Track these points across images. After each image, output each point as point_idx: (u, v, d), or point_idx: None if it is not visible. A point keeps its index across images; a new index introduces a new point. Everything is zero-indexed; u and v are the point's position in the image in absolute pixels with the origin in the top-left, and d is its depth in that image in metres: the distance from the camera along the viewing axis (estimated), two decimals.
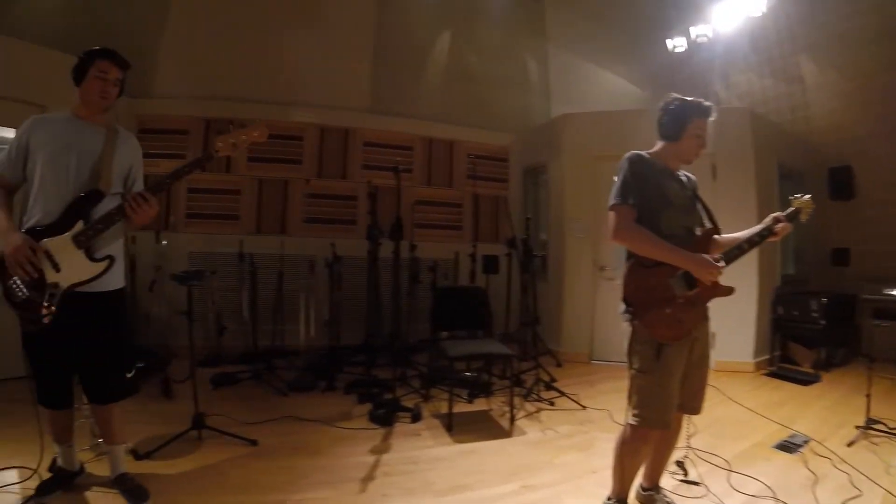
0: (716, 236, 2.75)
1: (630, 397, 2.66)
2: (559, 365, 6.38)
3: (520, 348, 5.97)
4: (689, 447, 3.51)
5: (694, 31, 7.80)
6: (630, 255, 2.66)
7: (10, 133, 5.13)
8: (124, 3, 7.11)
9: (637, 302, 2.60)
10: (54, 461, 3.17)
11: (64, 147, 2.78)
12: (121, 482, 3.06)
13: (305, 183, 6.64)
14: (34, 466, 3.13)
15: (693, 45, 7.91)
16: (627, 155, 2.69)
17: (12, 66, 5.22)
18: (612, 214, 2.63)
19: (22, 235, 2.68)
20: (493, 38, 8.32)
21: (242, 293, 6.53)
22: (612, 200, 2.64)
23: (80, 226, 2.72)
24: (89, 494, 3.11)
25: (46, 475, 3.12)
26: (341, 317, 6.38)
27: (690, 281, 2.56)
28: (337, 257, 6.25)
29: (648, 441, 2.71)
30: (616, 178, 2.67)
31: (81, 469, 3.26)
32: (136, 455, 3.58)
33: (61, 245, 2.70)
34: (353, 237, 7.22)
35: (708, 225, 2.79)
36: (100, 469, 3.33)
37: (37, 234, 2.70)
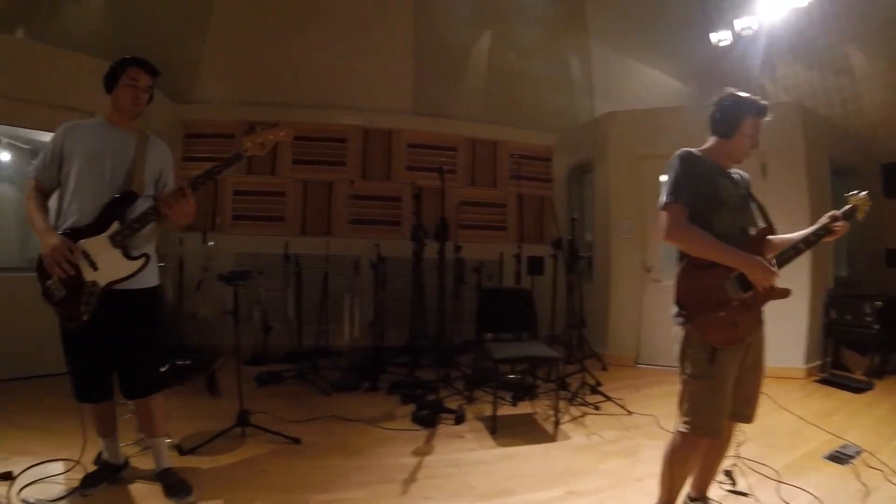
0: (770, 236, 2.63)
1: (681, 403, 2.55)
2: (605, 368, 6.23)
3: (565, 351, 5.88)
4: (738, 456, 3.38)
5: (738, 23, 7.55)
6: (683, 256, 2.56)
7: None
8: (166, 12, 7.35)
9: (690, 304, 2.50)
10: (100, 455, 3.25)
11: (98, 152, 2.88)
12: (164, 477, 3.10)
13: (350, 184, 6.67)
14: (78, 458, 3.23)
15: (737, 39, 7.65)
16: (678, 152, 2.60)
17: (59, 74, 5.41)
18: (663, 214, 2.54)
19: (59, 236, 2.76)
20: (534, 37, 8.20)
21: (288, 293, 6.58)
22: (663, 199, 2.55)
23: (115, 226, 2.81)
24: (133, 488, 3.15)
25: (91, 468, 3.21)
26: (385, 317, 6.38)
27: (745, 283, 2.45)
28: (381, 258, 6.25)
29: (698, 449, 2.61)
30: (666, 176, 2.57)
31: (126, 463, 3.33)
32: (181, 450, 3.64)
33: (98, 245, 2.79)
34: (397, 238, 7.23)
35: (762, 224, 2.68)
36: (145, 463, 3.38)
37: (74, 234, 2.79)
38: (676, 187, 2.51)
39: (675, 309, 2.55)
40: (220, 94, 7.34)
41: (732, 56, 7.87)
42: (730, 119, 2.59)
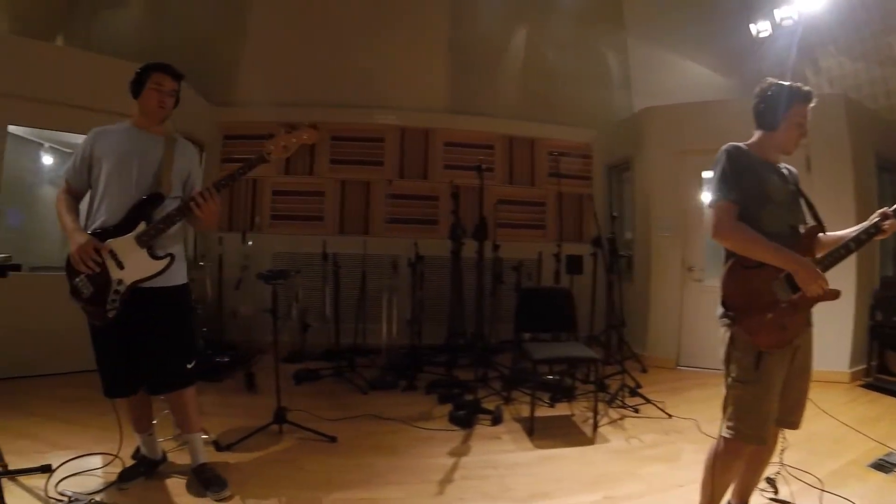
0: (820, 235, 2.53)
1: (725, 408, 2.46)
2: (644, 370, 6.11)
3: (604, 352, 5.78)
4: (781, 463, 3.26)
5: (778, 13, 7.33)
6: (730, 255, 2.47)
7: None
8: (203, 17, 7.57)
9: (737, 305, 2.40)
10: (138, 449, 3.33)
11: (126, 155, 2.95)
12: (200, 471, 3.14)
13: (388, 184, 6.67)
14: (116, 453, 3.29)
15: (778, 29, 7.43)
16: (725, 147, 2.50)
17: (99, 79, 5.51)
18: (711, 211, 2.45)
19: (86, 235, 2.85)
20: (570, 32, 8.10)
21: (326, 292, 6.60)
22: (711, 196, 2.46)
23: (142, 226, 2.88)
24: (170, 482, 3.20)
25: (129, 462, 3.28)
26: (423, 316, 6.35)
27: (794, 284, 2.35)
28: (419, 257, 6.23)
29: (742, 456, 2.51)
30: (713, 173, 2.48)
31: (164, 457, 3.39)
32: (218, 446, 3.69)
33: (125, 244, 2.87)
34: (435, 237, 7.21)
35: (811, 222, 2.57)
36: (182, 458, 3.43)
37: (102, 234, 2.87)
38: (724, 184, 2.42)
39: (721, 310, 2.46)
40: (257, 97, 7.45)
41: (773, 47, 7.65)
42: (775, 109, 2.49)
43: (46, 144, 6.53)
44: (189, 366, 3.15)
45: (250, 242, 6.59)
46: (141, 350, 2.98)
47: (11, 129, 5.45)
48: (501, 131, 7.82)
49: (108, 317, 2.86)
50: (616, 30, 8.28)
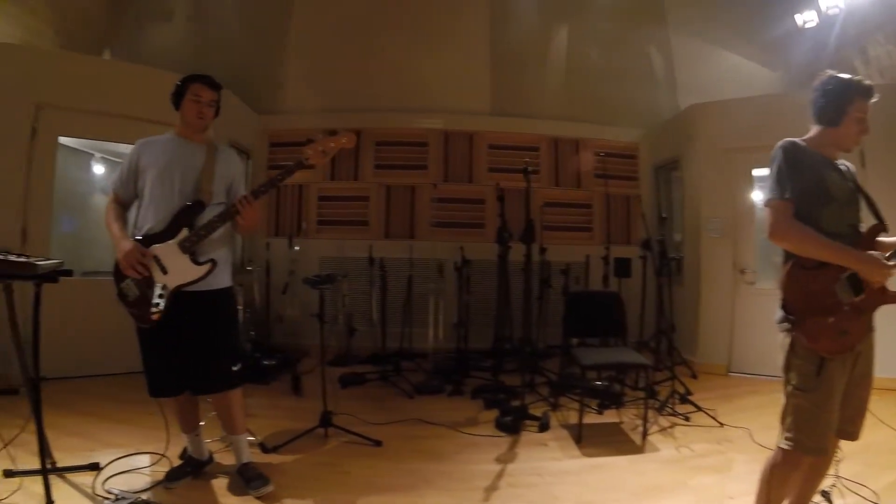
0: (881, 235, 2.40)
1: (784, 418, 2.35)
2: (694, 376, 5.90)
3: (653, 357, 5.65)
4: (836, 475, 3.10)
5: (823, 2, 7.04)
6: (789, 256, 2.35)
7: None
8: (247, 28, 7.74)
9: (797, 309, 2.28)
10: (185, 449, 3.39)
11: (169, 164, 3.07)
12: (244, 471, 3.20)
13: (432, 188, 6.66)
14: (163, 452, 3.38)
15: (824, 18, 7.13)
16: (781, 143, 2.39)
17: (146, 91, 5.63)
18: (768, 211, 2.35)
19: (132, 241, 2.96)
20: (612, 30, 7.92)
21: (372, 296, 6.61)
22: (767, 195, 2.36)
23: (184, 232, 2.98)
24: (215, 482, 3.26)
25: (177, 462, 3.35)
26: (469, 320, 6.31)
27: (857, 285, 2.23)
28: (465, 261, 6.20)
29: (800, 468, 2.40)
30: (769, 170, 2.38)
31: (211, 458, 3.45)
32: (264, 448, 3.73)
33: (168, 250, 2.97)
34: (481, 240, 7.16)
35: (871, 221, 2.44)
36: (230, 459, 3.47)
37: (147, 241, 2.98)
38: (781, 182, 2.31)
39: (780, 314, 2.35)
40: (301, 104, 7.58)
41: (819, 37, 7.34)
42: (836, 104, 2.37)
43: (97, 154, 6.76)
44: (233, 368, 3.20)
45: (297, 247, 6.67)
46: (185, 352, 3.05)
47: (62, 140, 5.65)
48: (546, 132, 7.72)
49: (152, 319, 2.94)
50: (657, 25, 8.04)
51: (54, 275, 2.88)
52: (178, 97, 3.18)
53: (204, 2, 8.03)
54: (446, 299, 6.55)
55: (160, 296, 2.94)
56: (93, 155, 6.74)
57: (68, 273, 3.04)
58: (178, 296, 2.96)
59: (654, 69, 8.09)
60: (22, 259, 2.81)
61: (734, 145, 6.22)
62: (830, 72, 2.43)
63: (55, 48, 6.62)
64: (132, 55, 7.85)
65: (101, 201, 6.67)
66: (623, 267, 6.14)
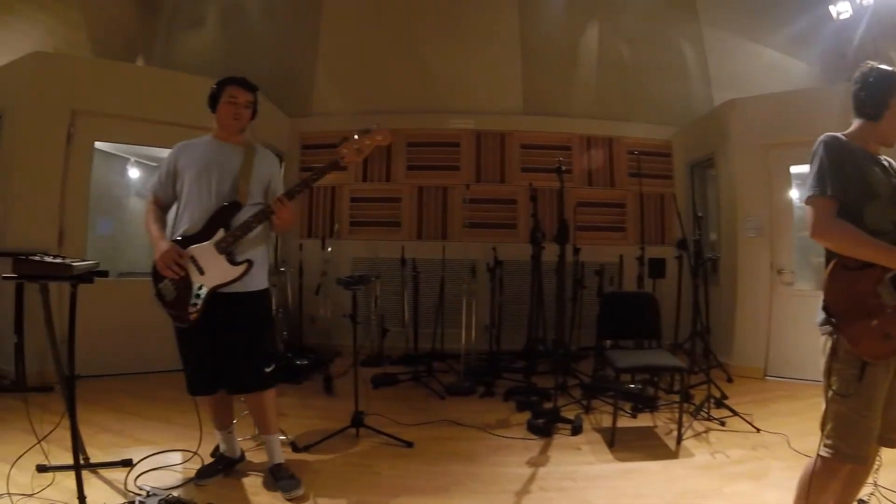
0: None
1: (824, 424, 2.26)
2: (730, 380, 5.73)
3: (688, 360, 5.54)
4: (875, 484, 2.98)
5: None
6: (831, 256, 2.27)
7: None
8: (276, 32, 7.89)
9: (839, 311, 2.19)
10: (217, 447, 3.45)
11: (205, 166, 3.10)
12: (275, 471, 3.21)
13: (465, 188, 6.64)
14: (195, 449, 3.41)
15: (859, 9, 6.90)
16: (822, 138, 2.31)
17: (179, 96, 5.82)
18: (809, 208, 2.27)
19: (169, 243, 2.99)
20: (643, 25, 7.81)
21: (404, 297, 6.62)
22: (808, 192, 2.28)
23: (220, 233, 3.00)
24: (246, 481, 3.29)
25: (209, 459, 3.39)
26: (502, 321, 6.27)
27: None
28: (498, 261, 6.17)
29: (839, 476, 2.31)
30: (810, 166, 2.30)
31: (242, 456, 3.50)
32: (295, 447, 3.76)
33: (205, 251, 2.99)
34: (513, 241, 7.13)
35: None
36: (260, 457, 3.52)
37: (184, 241, 3.01)
38: (823, 178, 2.22)
39: (821, 316, 2.26)
40: (333, 106, 7.66)
41: (855, 29, 7.12)
42: (877, 97, 2.28)
43: (132, 159, 6.90)
44: (268, 369, 3.21)
45: (329, 248, 6.71)
46: (221, 352, 3.08)
47: (98, 145, 5.79)
48: (578, 131, 7.62)
49: (190, 319, 2.98)
50: (689, 19, 7.85)
51: (90, 275, 2.93)
52: (214, 100, 3.21)
53: (234, 7, 8.19)
54: (478, 300, 6.51)
55: (197, 296, 2.98)
56: (128, 159, 6.89)
57: (104, 274, 3.11)
58: (214, 297, 2.99)
59: (687, 64, 7.92)
60: (58, 260, 2.87)
61: (771, 141, 6.06)
62: (872, 63, 2.35)
63: (89, 56, 6.82)
64: (164, 61, 8.12)
65: (137, 204, 6.87)
66: (657, 267, 6.04)
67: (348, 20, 7.77)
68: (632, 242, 7.18)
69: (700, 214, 5.72)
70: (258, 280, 3.17)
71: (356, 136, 3.17)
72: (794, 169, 6.02)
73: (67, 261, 2.88)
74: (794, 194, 6.04)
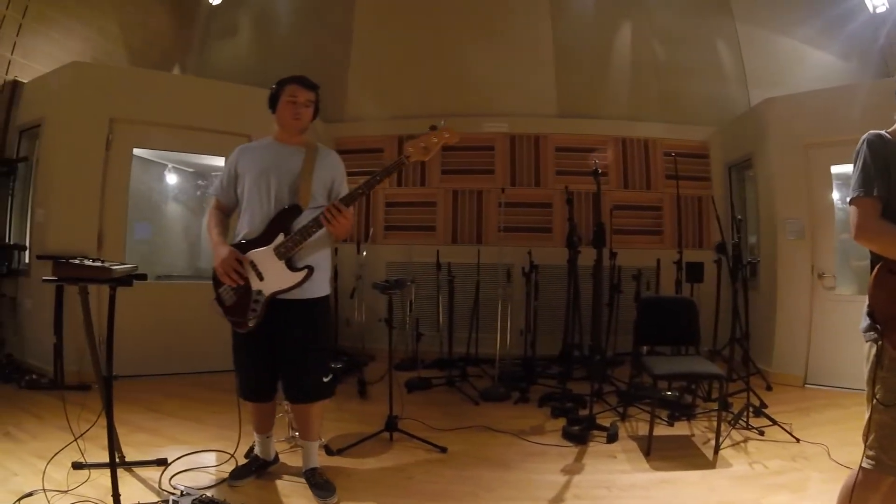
0: None
1: (866, 435, 2.19)
2: (769, 388, 5.57)
3: (726, 367, 5.41)
4: None
5: None
6: (876, 259, 2.19)
7: (219, 161, 6.07)
8: (309, 38, 8.07)
9: (885, 317, 2.11)
10: (251, 449, 3.47)
11: (265, 169, 3.06)
12: (310, 475, 3.20)
13: (500, 192, 6.61)
14: (232, 451, 3.44)
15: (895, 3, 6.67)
16: (865, 136, 2.23)
17: (220, 103, 6.03)
18: (853, 209, 2.19)
19: (229, 248, 2.98)
20: (676, 23, 7.70)
21: (439, 301, 6.61)
22: (852, 192, 2.20)
23: (280, 238, 2.94)
24: (280, 483, 3.30)
25: (243, 461, 3.41)
26: (537, 326, 6.23)
27: None
28: (533, 266, 6.13)
29: (881, 490, 2.23)
30: (853, 166, 2.23)
31: (276, 458, 3.51)
32: (329, 450, 3.76)
33: (265, 256, 2.95)
34: (549, 245, 7.10)
35: None
36: (293, 460, 3.55)
37: (244, 246, 2.99)
38: (866, 178, 2.15)
39: (866, 321, 2.19)
40: (367, 111, 7.72)
41: (891, 22, 6.88)
42: None
43: (169, 165, 7.06)
44: (325, 379, 3.18)
45: (364, 253, 6.73)
46: (279, 359, 3.09)
47: (137, 151, 5.96)
48: (613, 133, 7.54)
49: (248, 325, 2.98)
50: (723, 16, 7.69)
51: (129, 278, 2.99)
52: (273, 101, 3.17)
53: (267, 16, 8.39)
54: (514, 305, 6.48)
55: (256, 302, 2.96)
56: (166, 165, 7.03)
57: (143, 277, 3.16)
58: (273, 303, 2.97)
59: (722, 63, 7.75)
60: (97, 264, 2.92)
61: (811, 140, 5.89)
62: None
63: (126, 65, 7.01)
64: (200, 70, 8.36)
65: (174, 209, 7.02)
66: (695, 271, 5.93)
67: (380, 26, 7.86)
68: (669, 246, 7.07)
69: (739, 217, 5.61)
70: (319, 286, 3.11)
71: (422, 134, 3.05)
72: (834, 169, 5.85)
73: (107, 264, 2.92)
74: (835, 195, 5.88)
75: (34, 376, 5.17)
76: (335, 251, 6.76)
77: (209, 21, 8.74)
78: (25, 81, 6.13)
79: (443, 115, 7.36)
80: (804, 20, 7.38)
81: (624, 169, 7.49)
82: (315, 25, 8.16)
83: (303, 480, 3.22)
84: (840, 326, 5.47)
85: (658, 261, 6.68)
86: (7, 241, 6.05)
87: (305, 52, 7.97)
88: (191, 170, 7.34)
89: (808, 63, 7.38)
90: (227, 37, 8.67)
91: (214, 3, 8.19)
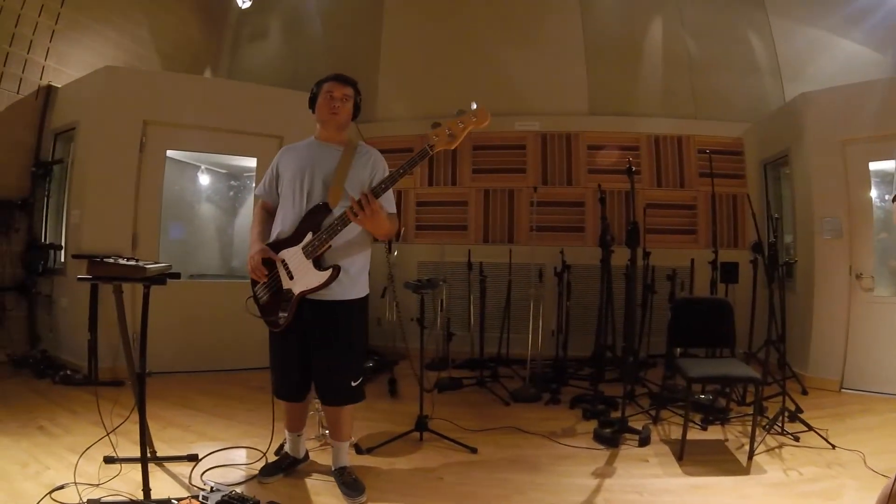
0: None
1: None
2: (804, 392, 5.43)
3: (761, 370, 5.26)
4: None
5: None
6: None
7: (251, 162, 6.27)
8: (338, 39, 8.17)
9: None
10: (281, 446, 3.50)
11: (301, 168, 3.08)
12: (339, 474, 3.22)
13: (532, 191, 6.56)
14: (263, 449, 3.50)
15: None
16: None
17: (252, 105, 6.10)
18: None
19: (260, 245, 3.03)
20: (707, 17, 7.55)
21: (470, 301, 6.59)
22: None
23: (308, 237, 2.94)
24: (308, 481, 3.32)
25: (272, 458, 3.45)
26: (569, 327, 6.16)
27: None
28: (566, 265, 6.06)
29: None
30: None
31: (306, 456, 3.53)
32: (358, 449, 3.77)
33: (295, 255, 2.97)
34: (581, 244, 7.05)
35: None
36: (323, 458, 3.57)
37: (277, 245, 3.03)
38: None
39: None
40: (397, 111, 7.77)
41: None
42: None
43: (202, 166, 7.16)
44: (354, 383, 3.16)
45: (395, 252, 6.73)
46: (310, 361, 3.10)
47: (170, 153, 6.06)
48: (646, 130, 7.42)
49: (280, 324, 3.01)
50: (755, 9, 7.49)
51: (162, 277, 3.04)
52: (312, 101, 3.20)
53: (296, 18, 8.50)
54: (545, 305, 6.42)
55: (286, 301, 2.98)
56: (199, 167, 7.12)
57: (176, 276, 3.20)
58: (306, 303, 2.97)
59: (755, 57, 7.55)
60: (131, 263, 2.96)
61: (848, 136, 5.70)
62: None
63: (159, 69, 7.16)
64: (231, 73, 8.50)
65: (207, 210, 7.13)
66: (730, 272, 5.80)
67: (409, 26, 7.90)
68: (703, 246, 6.94)
69: (776, 216, 5.48)
70: (352, 289, 3.08)
71: (447, 120, 2.89)
72: (873, 165, 5.66)
73: (141, 263, 2.97)
74: (874, 193, 5.70)
75: (68, 372, 5.30)
76: None
77: (239, 25, 8.89)
78: (59, 86, 6.32)
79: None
80: (839, 10, 7.15)
81: (657, 167, 7.36)
82: (344, 26, 8.23)
83: (332, 479, 3.23)
84: (878, 329, 5.36)
85: (692, 261, 6.53)
86: (43, 240, 6.23)
87: (335, 53, 8.05)
88: (223, 171, 7.44)
89: (844, 56, 7.14)
90: (256, 40, 8.80)
91: (244, 7, 8.30)
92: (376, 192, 2.87)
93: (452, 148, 2.94)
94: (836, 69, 6.93)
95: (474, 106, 2.91)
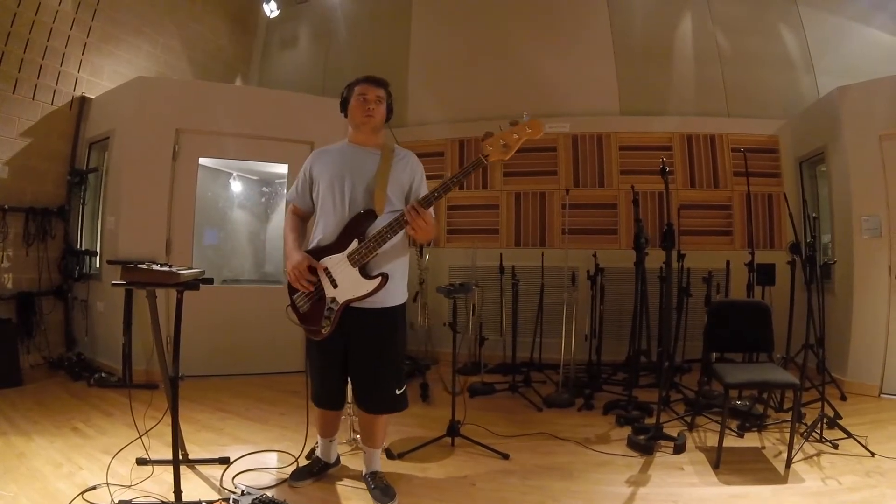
0: None
1: None
2: (843, 398, 5.27)
3: (799, 375, 5.11)
4: None
5: None
6: None
7: (282, 168, 6.32)
8: (368, 45, 8.27)
9: None
10: (313, 450, 3.50)
11: (338, 173, 3.00)
12: (371, 479, 3.20)
13: (564, 194, 6.49)
14: (295, 453, 3.54)
15: None
16: None
17: (282, 112, 6.16)
18: None
19: (302, 253, 2.96)
20: (738, 11, 7.40)
21: (502, 305, 6.55)
22: None
23: (354, 244, 2.87)
24: (340, 486, 3.32)
25: (304, 462, 3.47)
26: (603, 331, 6.08)
27: None
28: (599, 269, 5.99)
29: None
30: None
31: (337, 461, 3.53)
32: (390, 454, 3.76)
33: (338, 263, 2.90)
34: (615, 247, 6.98)
35: None
36: (354, 463, 3.57)
37: (318, 252, 2.96)
38: None
39: None
40: (428, 115, 7.78)
41: None
42: None
43: (234, 173, 7.27)
44: (399, 391, 3.12)
45: (427, 257, 6.72)
46: (353, 369, 3.06)
47: (203, 160, 6.16)
48: (678, 130, 7.27)
49: (322, 333, 2.95)
50: (786, 2, 7.35)
51: (195, 282, 3.06)
52: (344, 105, 3.14)
53: (325, 25, 8.62)
54: (579, 309, 6.34)
55: (329, 310, 2.92)
56: (231, 174, 7.21)
57: (209, 281, 3.24)
58: (348, 311, 2.92)
59: (788, 51, 7.37)
60: (165, 268, 2.99)
61: (888, 131, 5.53)
62: None
63: (190, 79, 7.31)
64: (261, 80, 8.62)
65: (240, 216, 7.23)
66: (766, 273, 5.66)
67: (438, 29, 7.93)
68: (738, 246, 6.81)
69: (815, 215, 5.33)
70: (395, 295, 3.05)
71: (501, 130, 2.84)
72: None
73: (174, 269, 3.00)
74: None
75: (103, 374, 5.43)
76: None
77: (268, 33, 9.06)
78: (93, 97, 6.49)
79: (503, 117, 7.28)
80: (871, 3, 6.98)
81: (690, 166, 7.21)
82: (372, 32, 8.32)
83: (363, 484, 3.23)
84: None
85: (728, 262, 6.39)
86: (79, 246, 6.35)
87: (363, 59, 8.09)
88: (255, 177, 7.53)
89: (878, 48, 6.93)
90: (286, 48, 8.94)
91: (272, 16, 8.43)
92: (428, 200, 2.82)
93: (506, 159, 2.87)
94: (871, 62, 6.72)
95: (526, 117, 2.84)
